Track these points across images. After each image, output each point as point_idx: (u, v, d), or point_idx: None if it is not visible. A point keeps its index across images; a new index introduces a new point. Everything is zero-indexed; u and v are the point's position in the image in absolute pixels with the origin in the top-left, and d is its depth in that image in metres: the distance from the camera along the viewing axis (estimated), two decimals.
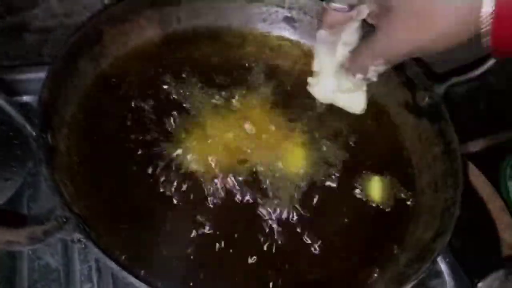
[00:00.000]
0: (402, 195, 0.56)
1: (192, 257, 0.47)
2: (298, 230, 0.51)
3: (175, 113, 0.57)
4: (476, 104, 1.09)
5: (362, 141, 0.60)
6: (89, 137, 0.52)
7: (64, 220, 0.36)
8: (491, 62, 0.54)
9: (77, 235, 0.37)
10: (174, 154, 0.53)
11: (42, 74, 0.50)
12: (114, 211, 0.48)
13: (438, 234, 0.48)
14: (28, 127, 0.42)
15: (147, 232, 0.47)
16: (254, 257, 0.48)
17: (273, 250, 0.49)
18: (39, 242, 0.33)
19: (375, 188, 0.56)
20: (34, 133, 0.42)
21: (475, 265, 0.69)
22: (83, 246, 0.37)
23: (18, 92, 0.65)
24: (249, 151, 0.56)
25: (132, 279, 0.35)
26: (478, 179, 0.81)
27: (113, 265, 0.36)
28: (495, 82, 1.07)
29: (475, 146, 0.89)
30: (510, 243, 0.75)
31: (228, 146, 0.56)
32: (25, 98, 0.65)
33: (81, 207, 0.44)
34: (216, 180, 0.52)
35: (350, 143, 0.59)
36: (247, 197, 0.52)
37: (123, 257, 0.40)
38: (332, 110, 0.61)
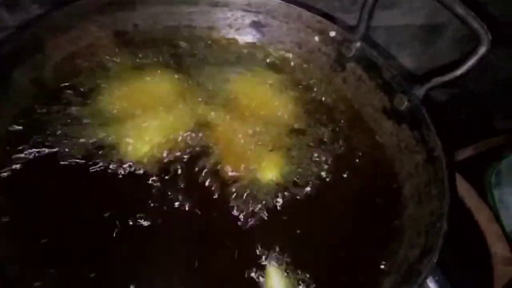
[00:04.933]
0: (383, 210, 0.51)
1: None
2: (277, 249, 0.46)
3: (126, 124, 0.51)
4: (458, 112, 1.06)
5: (339, 150, 0.55)
6: (22, 154, 0.46)
7: None
8: (472, 62, 0.49)
9: None
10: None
11: None
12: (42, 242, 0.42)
13: (424, 253, 0.42)
14: None
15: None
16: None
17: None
18: None
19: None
20: None
21: (466, 282, 0.64)
22: None
23: None
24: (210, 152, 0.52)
25: None
26: (463, 188, 0.77)
27: None
28: (476, 89, 1.05)
29: (459, 155, 0.85)
30: (501, 255, 0.71)
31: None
32: None
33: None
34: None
35: (326, 153, 0.55)
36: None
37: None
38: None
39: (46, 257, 0.42)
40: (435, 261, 0.41)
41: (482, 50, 0.49)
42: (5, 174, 0.45)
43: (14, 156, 0.46)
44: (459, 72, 0.50)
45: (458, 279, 0.60)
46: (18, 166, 0.46)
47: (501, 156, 0.82)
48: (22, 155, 0.46)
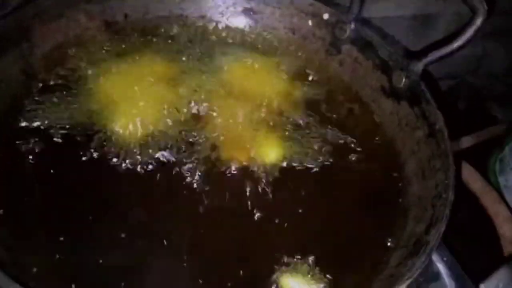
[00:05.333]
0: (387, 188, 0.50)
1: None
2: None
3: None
4: (456, 104, 1.06)
5: (339, 132, 0.54)
6: (11, 145, 0.44)
7: None
8: (469, 33, 0.48)
9: None
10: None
11: None
12: (37, 227, 0.41)
13: (432, 225, 0.41)
14: None
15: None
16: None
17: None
18: None
19: None
20: None
21: (476, 264, 0.63)
22: None
23: None
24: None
25: None
26: (468, 172, 0.75)
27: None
28: (474, 82, 1.04)
29: (462, 143, 0.84)
30: (509, 236, 0.69)
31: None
32: None
33: None
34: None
35: (326, 135, 0.53)
36: None
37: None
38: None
39: (45, 245, 0.41)
40: (442, 231, 0.39)
41: (478, 20, 0.48)
42: None
43: (3, 144, 0.45)
44: (456, 44, 0.49)
45: (467, 261, 0.58)
46: (9, 152, 0.45)
47: (503, 143, 0.81)
48: (12, 142, 0.45)
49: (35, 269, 0.37)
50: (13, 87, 0.48)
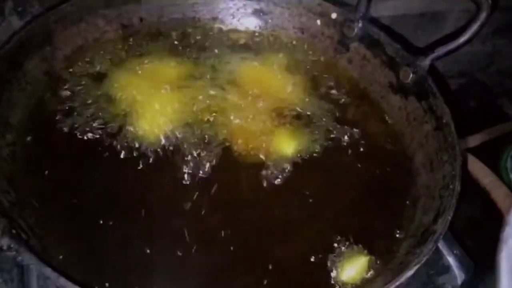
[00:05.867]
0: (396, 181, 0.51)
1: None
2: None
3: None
4: (467, 101, 1.05)
5: (348, 127, 0.55)
6: (39, 143, 0.47)
7: None
8: (474, 28, 0.50)
9: (6, 241, 0.31)
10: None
11: None
12: (63, 218, 0.42)
13: (439, 214, 0.42)
14: None
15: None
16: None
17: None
18: None
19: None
20: None
21: (486, 258, 0.63)
22: (15, 252, 0.31)
23: None
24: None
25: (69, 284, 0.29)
26: (478, 168, 0.76)
27: (47, 270, 0.30)
28: (485, 79, 1.04)
29: (473, 141, 0.85)
30: None
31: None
32: None
33: (26, 215, 0.39)
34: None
35: (335, 130, 0.55)
36: None
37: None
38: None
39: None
40: (449, 219, 0.40)
41: (483, 15, 0.49)
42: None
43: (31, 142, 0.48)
44: (462, 39, 0.50)
45: (477, 255, 0.59)
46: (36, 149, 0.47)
47: None
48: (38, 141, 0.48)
49: (60, 257, 0.39)
50: (38, 89, 0.50)
